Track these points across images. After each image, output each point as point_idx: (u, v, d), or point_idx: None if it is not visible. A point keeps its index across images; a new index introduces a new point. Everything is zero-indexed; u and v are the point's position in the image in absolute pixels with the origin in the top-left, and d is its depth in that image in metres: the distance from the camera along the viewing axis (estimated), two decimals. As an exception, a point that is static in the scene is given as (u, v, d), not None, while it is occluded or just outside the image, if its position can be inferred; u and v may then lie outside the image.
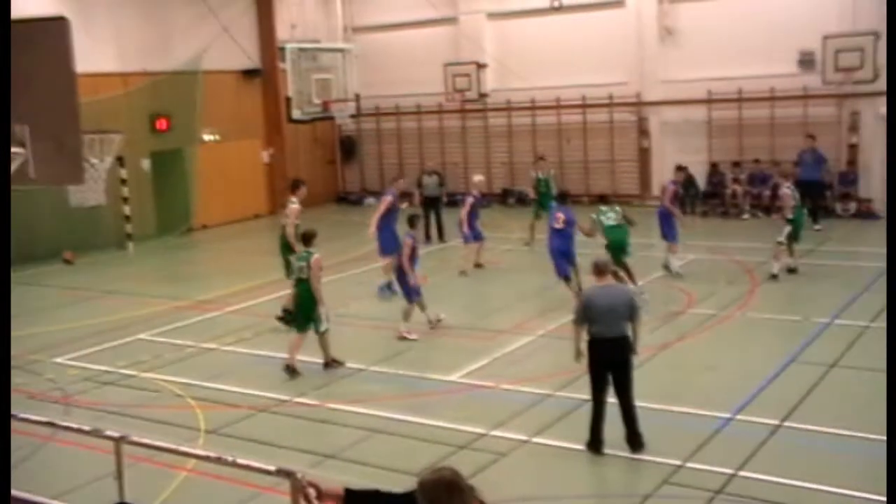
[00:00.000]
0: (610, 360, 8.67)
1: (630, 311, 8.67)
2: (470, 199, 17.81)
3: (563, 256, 14.54)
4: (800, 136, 22.16)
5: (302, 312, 11.77)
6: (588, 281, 10.68)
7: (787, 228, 15.68)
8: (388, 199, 16.45)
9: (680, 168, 17.66)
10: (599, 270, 8.89)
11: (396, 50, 27.42)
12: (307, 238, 12.10)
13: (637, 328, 8.79)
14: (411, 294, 13.22)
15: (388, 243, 15.72)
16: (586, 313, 8.68)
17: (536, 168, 21.34)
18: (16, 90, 5.03)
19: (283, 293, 16.25)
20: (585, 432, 8.72)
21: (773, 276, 15.49)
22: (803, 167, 20.90)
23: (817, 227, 20.06)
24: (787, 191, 16.05)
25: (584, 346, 8.75)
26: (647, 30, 24.13)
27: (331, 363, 11.82)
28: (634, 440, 8.70)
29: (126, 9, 22.78)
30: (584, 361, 8.78)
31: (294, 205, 14.48)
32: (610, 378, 8.70)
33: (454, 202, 26.85)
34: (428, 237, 20.38)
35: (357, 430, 9.60)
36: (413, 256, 13.12)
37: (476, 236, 17.71)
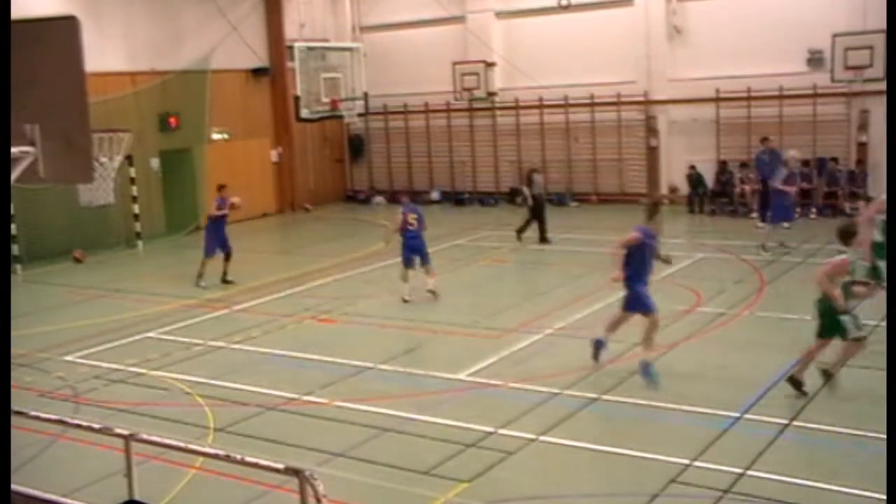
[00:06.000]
0: None
1: None
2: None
3: None
4: (809, 134, 22.18)
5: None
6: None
7: None
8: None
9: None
10: None
11: (404, 49, 27.45)
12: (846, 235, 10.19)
13: None
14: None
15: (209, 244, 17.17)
16: None
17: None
18: (26, 89, 5.05)
19: (288, 292, 16.40)
20: (594, 431, 8.68)
21: None
22: (761, 168, 20.59)
23: (785, 224, 20.15)
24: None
25: None
26: (656, 28, 24.11)
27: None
28: None
29: (135, 8, 22.85)
30: None
31: None
32: None
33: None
34: (544, 238, 19.80)
35: (365, 429, 9.61)
36: None
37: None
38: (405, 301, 14.97)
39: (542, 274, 17.04)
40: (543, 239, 19.77)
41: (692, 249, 18.74)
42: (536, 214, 19.88)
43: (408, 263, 15.15)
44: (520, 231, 20.01)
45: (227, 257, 17.05)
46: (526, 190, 20.24)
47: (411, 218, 15.12)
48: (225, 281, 16.97)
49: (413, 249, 15.09)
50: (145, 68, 22.81)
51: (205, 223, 17.99)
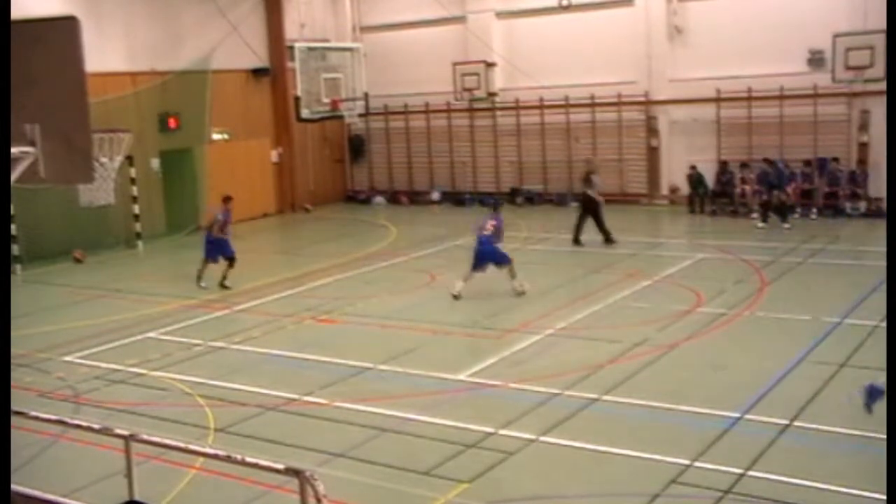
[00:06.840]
0: None
1: None
2: None
3: None
4: (810, 134, 22.18)
5: None
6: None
7: None
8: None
9: None
10: None
11: (405, 49, 27.45)
12: None
13: None
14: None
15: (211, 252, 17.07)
16: None
17: None
18: (26, 90, 5.05)
19: (288, 293, 16.39)
20: (594, 431, 8.67)
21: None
22: (764, 181, 21.35)
23: (786, 225, 20.49)
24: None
25: None
26: (656, 28, 24.11)
27: None
28: None
29: (135, 8, 22.84)
30: None
31: None
32: None
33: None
34: (609, 238, 19.41)
35: (365, 429, 9.61)
36: None
37: None
38: (454, 297, 15.01)
39: (542, 274, 17.02)
40: (609, 239, 19.36)
41: (693, 249, 18.76)
42: (593, 214, 19.53)
43: (474, 268, 15.21)
44: (606, 235, 19.49)
45: (231, 263, 16.93)
46: (591, 192, 19.78)
47: (489, 224, 15.22)
48: (222, 286, 16.84)
49: (480, 254, 15.17)
50: (145, 68, 22.80)
51: (205, 232, 17.52)
